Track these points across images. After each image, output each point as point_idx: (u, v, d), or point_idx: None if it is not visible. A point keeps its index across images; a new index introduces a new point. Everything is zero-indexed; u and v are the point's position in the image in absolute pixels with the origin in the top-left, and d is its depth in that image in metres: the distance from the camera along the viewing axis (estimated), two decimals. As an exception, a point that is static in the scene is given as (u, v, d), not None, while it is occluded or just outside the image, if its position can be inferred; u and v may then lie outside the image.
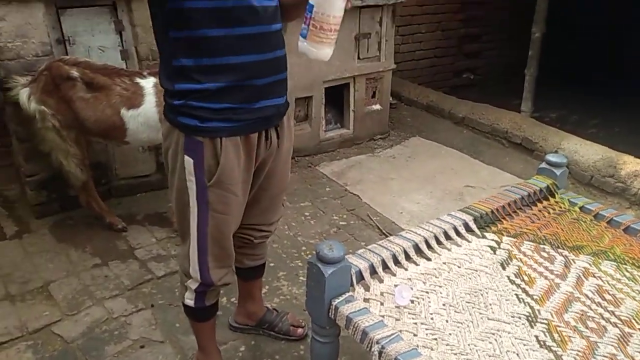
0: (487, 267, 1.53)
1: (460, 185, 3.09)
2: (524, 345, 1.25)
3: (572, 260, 1.58)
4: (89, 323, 1.94)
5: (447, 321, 1.33)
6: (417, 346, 1.22)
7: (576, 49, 5.62)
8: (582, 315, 1.36)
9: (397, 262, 1.50)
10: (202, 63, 1.24)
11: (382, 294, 1.40)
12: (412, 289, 1.41)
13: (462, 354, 1.22)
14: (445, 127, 3.91)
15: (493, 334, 1.29)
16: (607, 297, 1.43)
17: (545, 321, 1.33)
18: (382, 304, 1.37)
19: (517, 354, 1.22)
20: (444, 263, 1.53)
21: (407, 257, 1.52)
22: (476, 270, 1.52)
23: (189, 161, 1.31)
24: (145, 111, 2.24)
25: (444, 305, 1.38)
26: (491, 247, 1.61)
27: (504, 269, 1.53)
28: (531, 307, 1.38)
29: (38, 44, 2.41)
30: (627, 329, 1.32)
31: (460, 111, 3.94)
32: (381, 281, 1.44)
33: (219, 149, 1.30)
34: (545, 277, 1.50)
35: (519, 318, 1.35)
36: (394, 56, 3.70)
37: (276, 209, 1.63)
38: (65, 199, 2.64)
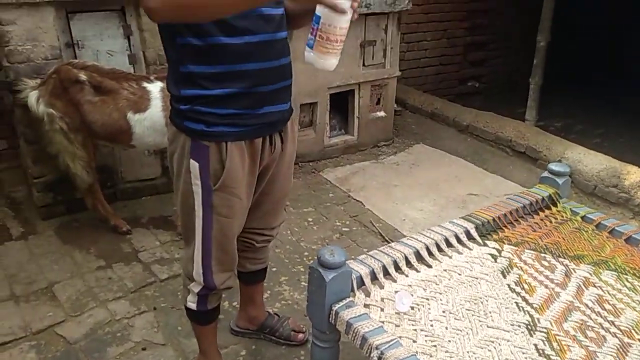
0: (487, 275, 1.54)
1: (464, 193, 3.09)
2: (523, 353, 1.26)
3: (573, 269, 1.58)
4: (92, 324, 1.95)
5: (446, 328, 1.34)
6: (416, 352, 1.23)
7: (576, 49, 5.62)
8: (582, 324, 1.37)
9: (397, 268, 1.51)
10: (209, 70, 1.26)
11: (382, 300, 1.41)
12: (412, 295, 1.42)
13: (460, 361, 1.22)
14: (450, 134, 3.92)
15: (492, 341, 1.30)
16: (607, 306, 1.44)
17: (545, 330, 1.34)
18: (382, 309, 1.38)
19: (516, 362, 1.23)
20: (445, 270, 1.54)
21: (408, 263, 1.53)
22: (477, 278, 1.52)
23: (194, 165, 1.33)
24: (151, 115, 2.26)
25: (443, 312, 1.39)
26: (492, 255, 1.62)
27: (504, 277, 1.54)
28: (531, 316, 1.38)
29: (48, 48, 2.45)
30: (626, 339, 1.32)
31: (465, 119, 3.95)
32: (382, 287, 1.45)
33: (224, 153, 1.31)
34: (546, 286, 1.51)
35: (519, 326, 1.35)
36: (399, 63, 3.72)
37: (278, 214, 1.65)
38: (71, 201, 2.67)
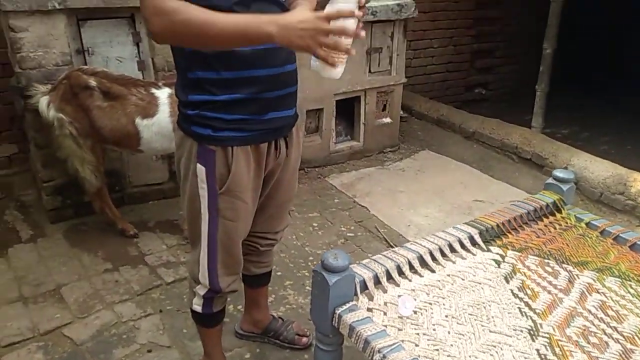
0: (490, 280, 1.54)
1: (469, 200, 3.09)
2: (525, 358, 1.26)
3: (577, 275, 1.59)
4: (99, 326, 1.98)
5: (449, 332, 1.34)
6: (419, 356, 1.24)
7: (576, 49, 5.62)
8: (585, 330, 1.37)
9: (401, 273, 1.52)
10: (216, 76, 1.28)
11: (385, 304, 1.42)
12: (415, 299, 1.43)
13: (462, 365, 1.23)
14: (456, 141, 3.93)
15: (494, 346, 1.31)
16: (611, 313, 1.44)
17: (547, 335, 1.34)
18: (385, 313, 1.39)
19: (518, 367, 1.23)
20: (448, 275, 1.55)
21: (412, 268, 1.54)
22: (480, 283, 1.53)
23: (201, 169, 1.35)
24: (159, 121, 2.29)
25: (446, 316, 1.40)
26: (495, 261, 1.63)
27: (507, 282, 1.54)
28: (533, 321, 1.39)
29: (59, 54, 2.49)
30: (629, 345, 1.32)
31: (471, 126, 3.96)
32: (385, 291, 1.46)
33: (230, 157, 1.34)
34: (549, 292, 1.51)
35: (521, 331, 1.36)
36: (406, 70, 3.74)
37: (282, 218, 1.67)
38: (80, 205, 2.70)
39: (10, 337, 1.91)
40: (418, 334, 1.33)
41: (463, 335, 1.34)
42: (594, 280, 1.57)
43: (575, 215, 1.90)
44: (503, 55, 5.43)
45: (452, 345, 1.30)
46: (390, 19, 3.34)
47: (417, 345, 1.29)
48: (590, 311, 1.44)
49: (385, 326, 1.33)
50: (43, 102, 2.31)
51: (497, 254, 1.66)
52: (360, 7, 1.15)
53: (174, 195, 2.81)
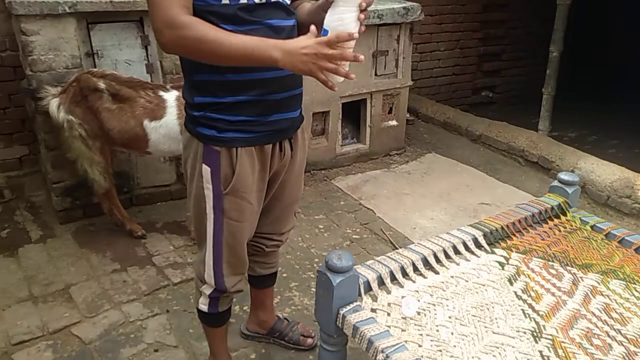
0: (494, 282, 1.55)
1: (475, 203, 3.09)
2: (528, 359, 1.27)
3: (581, 278, 1.59)
4: (107, 326, 2.00)
5: (452, 333, 1.35)
6: (422, 357, 1.25)
7: (585, 52, 5.61)
8: (588, 332, 1.37)
9: (405, 274, 1.53)
10: (222, 79, 1.31)
11: (389, 304, 1.43)
12: (419, 301, 1.44)
13: (465, 366, 1.24)
14: (462, 144, 3.93)
15: (497, 347, 1.31)
16: (614, 315, 1.44)
17: (550, 337, 1.34)
18: (388, 314, 1.40)
19: (521, 368, 1.24)
20: (452, 277, 1.55)
21: (415, 269, 1.55)
22: (483, 285, 1.53)
23: (206, 169, 1.37)
24: (166, 123, 2.32)
25: (449, 318, 1.40)
26: (499, 263, 1.63)
27: (511, 284, 1.55)
28: (536, 323, 1.39)
29: (69, 57, 2.53)
30: (632, 348, 1.32)
31: (477, 129, 3.96)
32: (389, 292, 1.47)
33: (234, 158, 1.36)
34: (553, 294, 1.51)
35: (524, 333, 1.36)
36: (412, 73, 3.75)
37: (288, 219, 1.68)
38: (89, 205, 2.74)
39: (20, 336, 1.94)
40: (421, 334, 1.34)
41: (466, 336, 1.34)
42: (598, 282, 1.57)
43: (580, 218, 1.90)
44: (510, 58, 5.42)
45: (455, 346, 1.31)
46: (397, 22, 3.35)
47: (420, 346, 1.30)
48: (594, 313, 1.44)
49: (389, 327, 1.34)
50: (53, 104, 2.35)
51: (501, 256, 1.66)
52: (362, 11, 1.17)
53: (182, 197, 2.84)
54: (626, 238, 1.78)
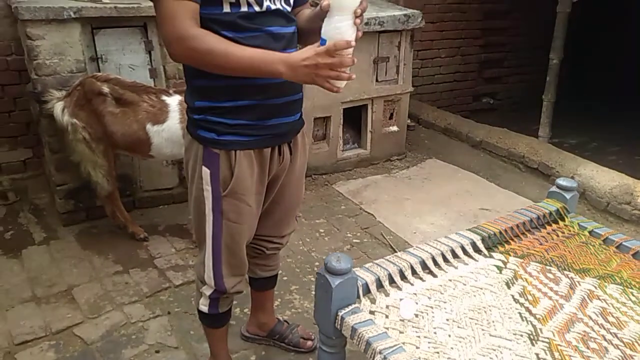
0: (492, 285, 1.57)
1: (475, 208, 3.11)
2: (524, 362, 1.28)
3: (578, 282, 1.60)
4: (109, 326, 2.02)
5: (449, 336, 1.37)
6: (419, 358, 1.26)
7: (587, 59, 5.63)
8: (584, 335, 1.38)
9: (403, 277, 1.55)
10: (221, 84, 1.33)
11: (387, 307, 1.45)
12: (417, 303, 1.45)
13: (462, 368, 1.25)
14: (463, 150, 3.95)
15: (494, 349, 1.33)
16: (611, 319, 1.45)
17: (547, 340, 1.36)
18: (387, 316, 1.42)
19: (517, 370, 1.25)
20: (450, 280, 1.57)
21: (414, 272, 1.57)
22: (481, 288, 1.55)
23: (206, 172, 1.40)
24: (169, 127, 2.35)
25: (447, 320, 1.42)
26: (497, 267, 1.65)
27: (509, 288, 1.56)
28: (533, 326, 1.40)
29: (73, 61, 2.56)
30: (628, 351, 1.33)
31: (478, 135, 3.98)
32: (387, 295, 1.48)
33: (233, 161, 1.38)
34: (550, 298, 1.53)
35: (521, 336, 1.37)
36: (413, 80, 3.78)
37: (288, 223, 1.70)
38: (92, 208, 2.77)
39: (23, 336, 1.96)
40: (419, 336, 1.36)
41: (463, 338, 1.36)
42: (595, 287, 1.58)
43: (578, 223, 1.92)
44: (511, 65, 5.45)
45: (452, 348, 1.33)
46: (397, 29, 3.38)
47: (417, 348, 1.32)
48: (590, 317, 1.45)
49: (387, 328, 1.35)
50: (58, 107, 2.38)
51: (499, 260, 1.68)
52: (357, 17, 1.19)
53: (184, 200, 2.86)
54: (624, 243, 1.79)
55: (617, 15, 5.42)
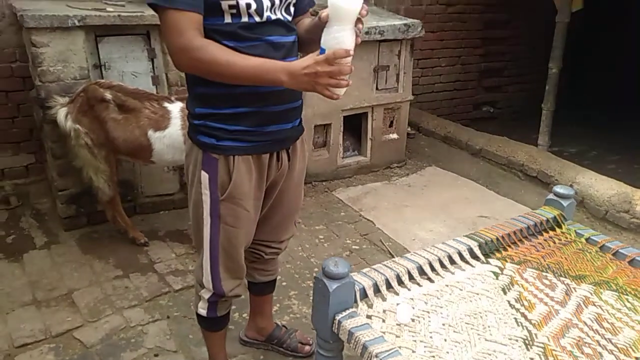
0: (488, 291, 1.58)
1: (474, 216, 3.12)
2: (519, 366, 1.29)
3: (574, 288, 1.61)
4: (108, 330, 2.04)
5: (445, 340, 1.38)
6: (415, 362, 1.28)
7: (588, 68, 5.66)
8: (579, 341, 1.39)
9: (400, 282, 1.56)
10: (221, 91, 1.36)
11: (384, 311, 1.46)
12: (413, 308, 1.47)
13: (457, 371, 1.26)
14: (462, 158, 3.97)
15: (489, 354, 1.34)
16: (606, 325, 1.46)
17: (542, 345, 1.37)
18: (383, 320, 1.43)
19: (512, 374, 1.26)
20: (446, 285, 1.58)
21: (411, 277, 1.58)
22: (477, 294, 1.56)
23: (204, 176, 1.42)
24: (170, 133, 2.37)
25: (443, 325, 1.43)
26: (494, 273, 1.66)
27: (505, 293, 1.57)
28: (529, 331, 1.42)
29: (77, 68, 2.59)
30: (623, 357, 1.34)
31: (477, 143, 4.00)
32: (384, 299, 1.50)
33: (231, 166, 1.41)
34: (545, 304, 1.54)
35: (516, 340, 1.39)
36: (414, 88, 3.80)
37: (287, 228, 1.72)
38: (93, 213, 2.79)
39: (23, 339, 1.98)
40: (415, 341, 1.37)
41: (459, 343, 1.37)
42: (590, 293, 1.60)
43: (575, 231, 1.93)
44: (511, 74, 5.48)
45: (448, 352, 1.34)
46: (397, 38, 3.42)
47: (413, 352, 1.33)
48: (585, 323, 1.46)
49: (384, 332, 1.37)
50: (61, 113, 2.41)
51: (496, 266, 1.69)
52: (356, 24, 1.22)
53: (184, 206, 2.87)
54: (620, 250, 1.80)
55: (617, 15, 5.45)
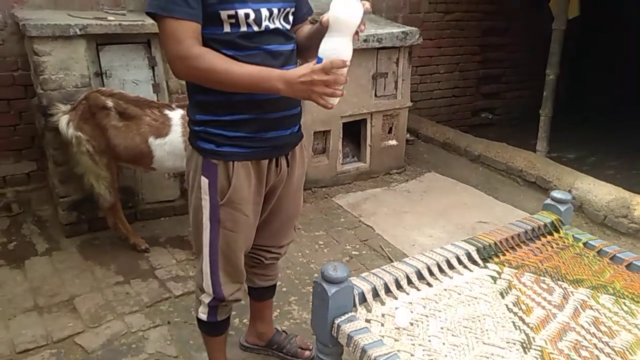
0: (486, 295, 1.59)
1: (473, 221, 3.14)
2: (517, 369, 1.30)
3: (571, 292, 1.62)
4: (109, 336, 2.05)
5: (443, 344, 1.39)
6: (414, 365, 1.29)
7: (587, 74, 5.69)
8: (576, 344, 1.40)
9: (399, 286, 1.57)
10: (220, 99, 1.38)
11: (383, 315, 1.47)
12: (412, 312, 1.48)
13: (456, 374, 1.27)
14: (461, 164, 3.99)
15: (487, 357, 1.35)
16: (603, 328, 1.47)
17: (539, 348, 1.38)
18: (382, 324, 1.44)
19: (509, 377, 1.27)
20: (445, 289, 1.59)
21: (409, 282, 1.59)
22: (475, 298, 1.57)
23: (204, 181, 1.44)
24: (171, 140, 2.39)
25: (441, 328, 1.44)
26: (492, 277, 1.67)
27: (503, 297, 1.58)
28: (526, 334, 1.42)
29: (78, 76, 2.62)
30: (619, 359, 1.35)
31: (476, 149, 4.02)
32: (383, 303, 1.51)
33: (231, 171, 1.43)
34: (543, 307, 1.55)
35: (514, 344, 1.39)
36: (412, 95, 3.83)
37: (287, 233, 1.74)
38: (94, 220, 2.80)
39: (25, 344, 1.99)
40: (414, 344, 1.38)
41: (457, 346, 1.38)
42: (588, 297, 1.60)
43: (573, 235, 1.94)
44: (509, 81, 5.52)
45: (446, 355, 1.34)
46: (395, 45, 3.45)
47: (412, 355, 1.34)
48: (582, 326, 1.47)
49: (382, 336, 1.37)
50: (63, 120, 2.43)
51: (494, 270, 1.70)
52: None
53: (185, 212, 2.87)
54: (617, 255, 1.81)
55: (616, 16, 5.49)
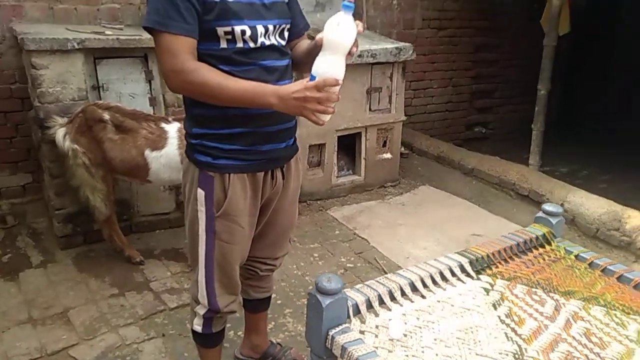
0: (479, 306, 1.60)
1: (467, 234, 3.16)
2: (509, 379, 1.31)
3: (563, 304, 1.64)
4: (104, 348, 2.04)
5: (437, 355, 1.40)
6: (407, 376, 1.30)
7: (580, 89, 5.76)
8: (568, 355, 1.42)
9: (393, 298, 1.58)
10: (216, 113, 1.41)
11: (377, 326, 1.48)
12: (405, 323, 1.49)
13: (448, 385, 1.28)
14: (455, 177, 4.02)
15: (480, 368, 1.36)
16: (594, 339, 1.49)
17: (531, 359, 1.39)
18: (376, 336, 1.45)
19: (502, 388, 1.29)
20: (438, 301, 1.61)
21: (403, 293, 1.61)
22: (468, 309, 1.59)
23: (200, 193, 1.46)
24: (167, 153, 2.41)
25: (435, 340, 1.45)
26: (484, 289, 1.69)
27: (495, 309, 1.60)
28: (518, 346, 1.44)
29: (75, 90, 2.64)
30: (610, 370, 1.37)
31: (470, 162, 4.06)
32: (377, 315, 1.52)
33: (227, 183, 1.45)
34: (535, 319, 1.56)
35: (506, 355, 1.41)
36: (406, 109, 3.88)
37: (282, 245, 1.75)
38: (89, 232, 2.80)
39: (19, 357, 1.98)
40: (407, 355, 1.39)
41: (450, 357, 1.39)
42: (579, 308, 1.62)
43: (564, 248, 1.96)
44: (502, 96, 5.58)
45: (439, 366, 1.36)
46: (389, 61, 3.50)
47: (406, 366, 1.35)
48: (574, 337, 1.49)
49: (376, 348, 1.39)
50: (60, 133, 2.45)
51: (487, 282, 1.72)
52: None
53: (180, 225, 2.90)
54: (609, 267, 1.84)
55: (610, 23, 5.58)
